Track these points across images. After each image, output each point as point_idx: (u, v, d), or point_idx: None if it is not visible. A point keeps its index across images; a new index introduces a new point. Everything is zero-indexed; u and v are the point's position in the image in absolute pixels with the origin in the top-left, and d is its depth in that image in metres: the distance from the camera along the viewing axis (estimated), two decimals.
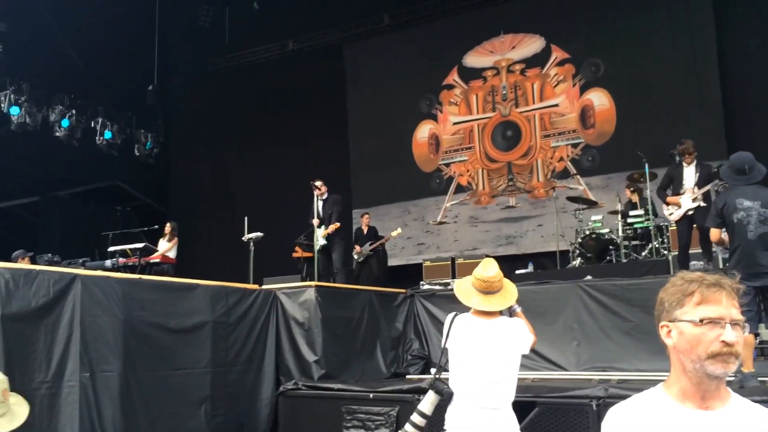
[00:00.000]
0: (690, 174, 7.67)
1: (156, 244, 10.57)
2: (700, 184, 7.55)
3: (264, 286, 7.55)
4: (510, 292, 3.97)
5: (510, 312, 4.18)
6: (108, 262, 9.26)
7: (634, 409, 1.75)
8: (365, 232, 12.12)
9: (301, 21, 15.57)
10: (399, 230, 12.47)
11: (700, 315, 1.65)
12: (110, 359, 5.43)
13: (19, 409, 2.08)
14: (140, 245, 9.76)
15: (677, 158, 7.90)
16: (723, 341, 1.62)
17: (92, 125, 13.90)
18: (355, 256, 11.85)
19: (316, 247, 9.43)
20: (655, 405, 1.73)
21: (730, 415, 1.66)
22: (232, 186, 16.40)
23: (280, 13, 15.13)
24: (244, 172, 16.13)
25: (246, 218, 9.53)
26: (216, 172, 16.71)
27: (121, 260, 9.49)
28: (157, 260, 9.99)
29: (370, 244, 11.84)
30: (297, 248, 11.60)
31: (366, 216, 12.44)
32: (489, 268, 3.99)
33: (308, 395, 6.49)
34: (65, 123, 13.38)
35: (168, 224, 10.85)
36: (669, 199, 7.78)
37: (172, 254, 10.67)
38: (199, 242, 14.96)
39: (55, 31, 13.65)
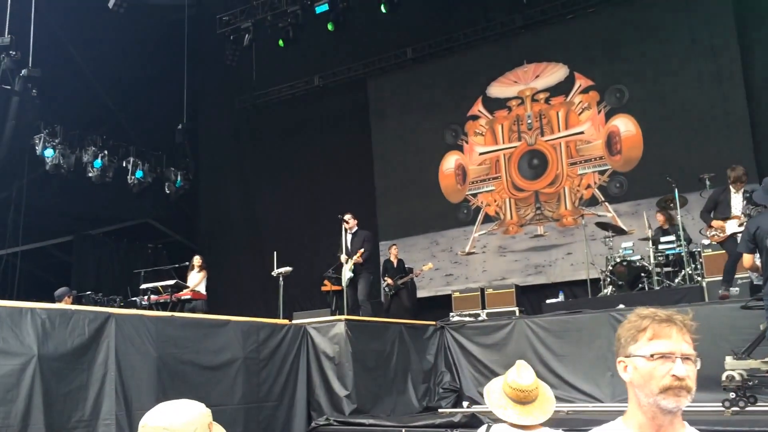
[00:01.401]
0: (738, 201, 7.57)
1: (186, 281, 10.69)
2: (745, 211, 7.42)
3: (294, 321, 7.57)
4: (548, 399, 3.53)
5: None
6: (139, 299, 9.37)
7: None
8: (395, 264, 12.13)
9: (325, 57, 15.82)
10: (430, 265, 12.48)
11: (652, 350, 1.69)
12: (145, 397, 5.48)
13: None
14: (171, 282, 9.88)
15: (707, 182, 7.81)
16: (674, 375, 1.65)
17: (123, 165, 14.18)
18: (386, 289, 11.84)
19: (344, 282, 9.45)
20: None
21: None
22: (260, 221, 16.57)
23: (304, 50, 15.37)
24: (271, 206, 16.31)
25: (275, 253, 9.61)
26: (244, 208, 16.91)
27: (153, 297, 9.60)
28: (188, 296, 10.09)
29: (400, 278, 11.84)
30: (326, 282, 11.65)
31: (394, 247, 12.47)
32: (525, 375, 3.45)
33: (340, 431, 6.46)
34: (98, 164, 13.66)
35: (196, 257, 10.98)
36: (714, 222, 7.65)
37: (202, 289, 10.78)
38: (229, 277, 15.08)
39: (86, 73, 14.02)
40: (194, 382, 5.96)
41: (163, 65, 14.64)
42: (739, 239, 7.32)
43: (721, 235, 7.58)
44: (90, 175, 13.63)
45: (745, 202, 7.35)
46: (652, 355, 1.69)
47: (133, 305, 9.06)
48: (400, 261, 12.29)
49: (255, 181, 16.89)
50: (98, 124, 14.38)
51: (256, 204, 16.79)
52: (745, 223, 6.32)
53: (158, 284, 9.79)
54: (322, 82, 16.13)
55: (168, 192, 14.85)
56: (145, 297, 9.51)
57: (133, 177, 14.04)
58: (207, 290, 10.96)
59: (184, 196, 15.47)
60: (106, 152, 13.84)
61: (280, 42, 14.08)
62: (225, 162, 17.27)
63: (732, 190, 7.66)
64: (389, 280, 11.85)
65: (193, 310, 9.62)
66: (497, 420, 3.49)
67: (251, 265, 15.30)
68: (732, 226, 7.46)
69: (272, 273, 9.42)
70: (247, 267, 15.57)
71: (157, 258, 15.27)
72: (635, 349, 1.73)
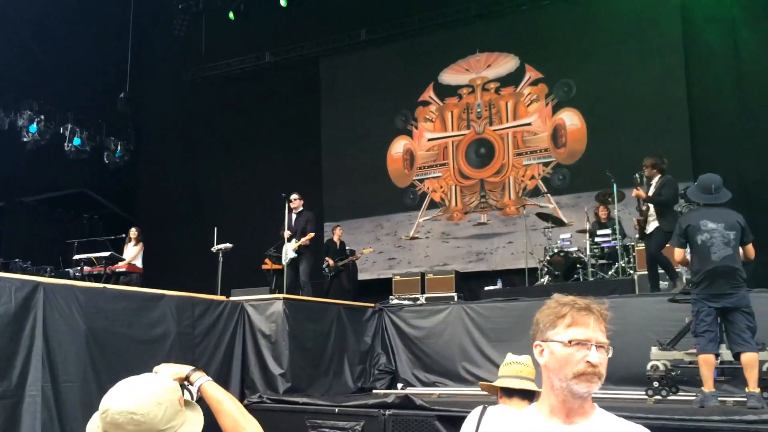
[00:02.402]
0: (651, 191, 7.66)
1: (122, 252, 10.43)
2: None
3: (231, 298, 7.48)
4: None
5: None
6: (72, 271, 9.10)
7: (505, 418, 1.86)
8: (337, 245, 12.11)
9: (277, 33, 15.58)
10: (371, 248, 12.57)
11: (569, 336, 1.74)
12: (73, 369, 5.33)
13: (196, 415, 1.94)
14: (106, 254, 9.62)
15: (644, 179, 7.99)
16: (588, 362, 1.70)
17: (61, 131, 13.71)
18: (326, 270, 11.81)
19: (285, 261, 9.39)
20: (524, 419, 1.82)
21: (590, 428, 1.74)
22: (202, 196, 16.28)
23: (256, 24, 15.12)
24: (215, 182, 16.04)
25: (216, 229, 9.46)
26: (186, 182, 16.57)
27: (87, 269, 9.34)
28: (123, 269, 9.86)
29: (340, 260, 11.84)
30: (266, 260, 11.53)
31: (338, 228, 12.45)
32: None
33: (273, 408, 6.43)
34: (33, 128, 13.18)
35: (133, 229, 10.72)
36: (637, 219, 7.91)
37: (138, 263, 10.55)
38: (167, 252, 14.79)
39: (24, 34, 13.47)
40: (126, 356, 5.81)
41: (108, 31, 14.17)
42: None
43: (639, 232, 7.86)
44: (25, 140, 13.15)
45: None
46: (569, 342, 1.73)
47: (66, 276, 8.79)
48: (342, 243, 12.27)
49: (199, 155, 16.56)
50: (36, 88, 13.82)
51: (198, 179, 16.48)
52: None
53: (92, 255, 9.52)
54: (273, 59, 15.90)
55: (107, 161, 14.45)
56: (78, 268, 9.24)
57: (70, 144, 13.61)
58: (144, 264, 10.73)
59: (124, 166, 15.07)
60: (42, 117, 13.35)
61: (231, 14, 13.80)
62: (168, 134, 16.85)
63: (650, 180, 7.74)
64: (330, 261, 11.83)
65: (128, 284, 9.40)
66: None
67: (191, 240, 15.02)
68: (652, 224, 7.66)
69: (212, 249, 9.29)
70: (186, 242, 15.29)
71: (92, 229, 14.83)
72: (553, 334, 1.77)
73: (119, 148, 14.47)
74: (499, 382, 3.45)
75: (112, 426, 1.76)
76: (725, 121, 11.58)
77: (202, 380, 2.08)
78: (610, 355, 1.75)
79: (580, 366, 1.71)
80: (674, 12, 12.29)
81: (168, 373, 2.05)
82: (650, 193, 7.50)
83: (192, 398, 2.04)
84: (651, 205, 7.57)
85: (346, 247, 12.39)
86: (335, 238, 12.23)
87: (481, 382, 3.78)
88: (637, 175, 7.96)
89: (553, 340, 1.76)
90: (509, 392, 3.42)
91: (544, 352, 1.79)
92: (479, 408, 3.35)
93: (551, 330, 1.78)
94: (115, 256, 9.80)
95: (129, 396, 1.78)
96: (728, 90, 11.64)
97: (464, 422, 3.33)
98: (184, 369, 2.11)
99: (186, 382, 2.07)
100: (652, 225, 7.56)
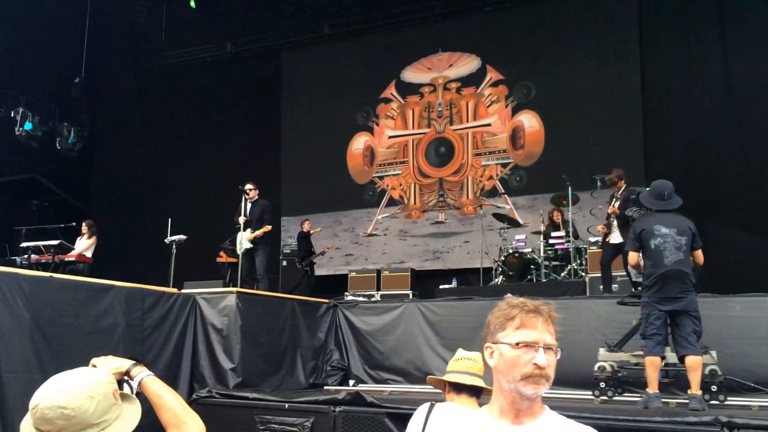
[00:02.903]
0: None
1: (73, 242, 10.18)
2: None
3: (183, 291, 7.36)
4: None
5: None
6: (19, 259, 8.85)
7: (455, 418, 1.86)
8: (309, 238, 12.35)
9: (240, 24, 15.41)
10: (333, 244, 13.02)
11: (517, 339, 1.76)
12: (16, 359, 5.18)
13: (132, 408, 1.91)
14: (55, 242, 9.37)
15: (598, 183, 8.21)
16: (535, 364, 1.72)
17: (12, 115, 13.31)
18: (300, 264, 12.04)
19: (240, 250, 9.22)
20: (475, 420, 1.83)
21: (539, 429, 1.76)
22: (157, 186, 15.99)
23: (218, 14, 14.93)
24: (171, 172, 15.76)
25: (170, 220, 9.32)
26: (142, 171, 16.25)
27: (34, 257, 9.09)
28: (72, 259, 9.61)
29: (312, 254, 12.18)
30: (221, 253, 11.43)
31: (307, 222, 12.46)
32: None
33: (221, 403, 6.35)
34: None
35: (84, 222, 10.45)
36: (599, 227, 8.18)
37: (89, 253, 10.30)
38: (120, 242, 14.49)
39: None
40: (72, 348, 5.67)
41: (64, 14, 13.79)
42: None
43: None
44: None
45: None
46: (517, 344, 1.75)
47: (12, 264, 8.53)
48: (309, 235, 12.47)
49: (156, 144, 16.24)
50: None
51: (154, 168, 16.16)
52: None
53: (40, 243, 9.27)
54: (234, 50, 15.72)
55: (59, 148, 14.07)
56: (26, 256, 8.98)
57: (21, 128, 13.21)
58: (95, 254, 10.48)
59: (78, 153, 14.70)
60: None
61: (192, 3, 13.58)
62: (125, 122, 16.50)
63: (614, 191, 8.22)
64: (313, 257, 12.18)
65: (76, 273, 9.16)
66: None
67: (144, 231, 14.77)
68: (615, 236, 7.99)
69: (165, 240, 9.14)
70: (139, 233, 15.02)
71: (41, 216, 14.44)
72: (502, 336, 1.79)
73: (72, 134, 14.10)
74: (449, 377, 3.42)
75: (42, 421, 1.73)
76: (678, 127, 11.85)
77: (143, 375, 2.06)
78: (558, 357, 1.77)
79: (528, 368, 1.73)
80: (632, 19, 12.52)
81: (107, 366, 2.02)
82: (617, 205, 7.82)
83: (132, 393, 2.01)
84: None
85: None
86: (305, 231, 12.34)
87: (429, 377, 3.73)
88: (598, 179, 8.17)
89: (502, 342, 1.78)
90: (458, 388, 3.40)
91: (494, 353, 1.80)
92: (426, 405, 3.35)
93: (501, 332, 1.80)
94: (64, 245, 9.55)
95: (59, 390, 1.75)
96: (681, 96, 11.91)
97: (412, 418, 3.34)
98: (124, 363, 2.08)
99: (126, 377, 2.04)
100: (616, 235, 7.88)
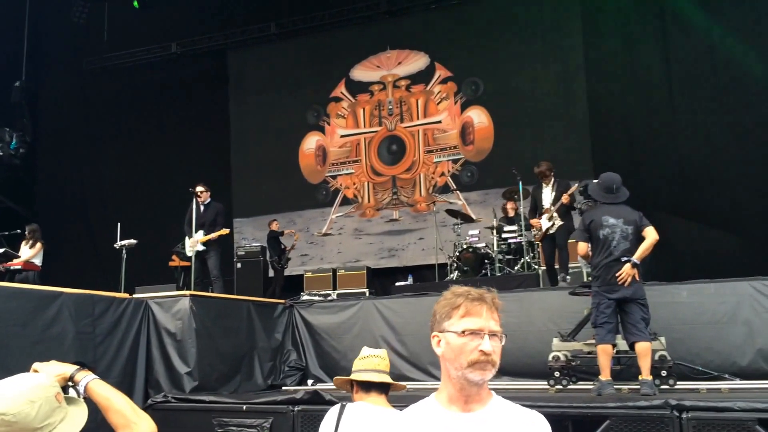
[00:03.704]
0: (547, 194, 8.30)
1: (17, 249, 9.88)
2: (555, 203, 8.09)
3: (135, 295, 7.23)
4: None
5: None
6: None
7: (406, 418, 1.88)
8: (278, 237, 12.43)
9: (184, 24, 15.17)
10: (298, 234, 13.13)
11: (463, 326, 1.79)
12: None
13: (78, 410, 1.89)
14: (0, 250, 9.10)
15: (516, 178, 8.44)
16: (481, 350, 1.76)
17: None
18: (277, 263, 12.14)
19: (191, 253, 9.06)
20: (425, 411, 1.86)
21: (487, 415, 1.81)
22: (104, 190, 15.62)
23: (162, 14, 14.67)
24: (119, 176, 15.42)
25: (119, 224, 9.13)
26: (88, 176, 15.87)
27: None
28: (19, 267, 9.34)
29: (283, 251, 12.31)
30: (174, 257, 11.24)
31: (275, 222, 12.52)
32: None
33: (178, 408, 6.26)
34: None
35: (28, 228, 10.13)
36: (532, 221, 8.37)
37: (37, 261, 10.02)
38: (68, 249, 14.15)
39: None
40: (19, 358, 5.50)
41: (2, 16, 13.36)
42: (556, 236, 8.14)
43: (539, 233, 8.30)
44: None
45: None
46: (463, 332, 1.78)
47: None
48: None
49: (102, 147, 15.85)
50: None
51: (101, 172, 15.78)
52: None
53: None
54: (179, 50, 15.48)
55: (1, 154, 13.63)
56: None
57: None
58: (43, 261, 10.19)
59: (21, 159, 14.25)
60: None
61: (135, 3, 13.32)
62: (68, 126, 16.08)
63: (543, 185, 8.34)
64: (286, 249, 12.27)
65: (24, 282, 8.92)
66: (345, 399, 3.49)
67: (93, 236, 14.45)
68: (544, 222, 8.27)
69: (115, 245, 8.95)
70: (88, 238, 14.68)
71: None
72: (449, 324, 1.82)
73: (14, 139, 13.67)
74: (356, 376, 3.42)
75: None
76: (623, 121, 12.15)
77: (88, 379, 2.03)
78: (503, 343, 1.81)
79: (474, 355, 1.75)
80: (576, 14, 12.76)
81: (50, 372, 1.99)
82: (551, 195, 8.04)
83: (79, 398, 1.98)
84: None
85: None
86: (275, 229, 12.40)
87: (335, 378, 3.67)
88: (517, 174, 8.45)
89: (448, 331, 1.81)
90: (366, 386, 3.39)
91: (441, 342, 1.83)
92: (337, 406, 3.36)
93: (447, 321, 1.82)
94: (9, 253, 9.28)
95: None
96: (625, 90, 12.19)
97: (323, 421, 3.31)
98: (67, 369, 2.06)
99: (71, 382, 2.01)
100: (557, 223, 8.06)
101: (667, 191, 11.21)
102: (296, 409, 5.61)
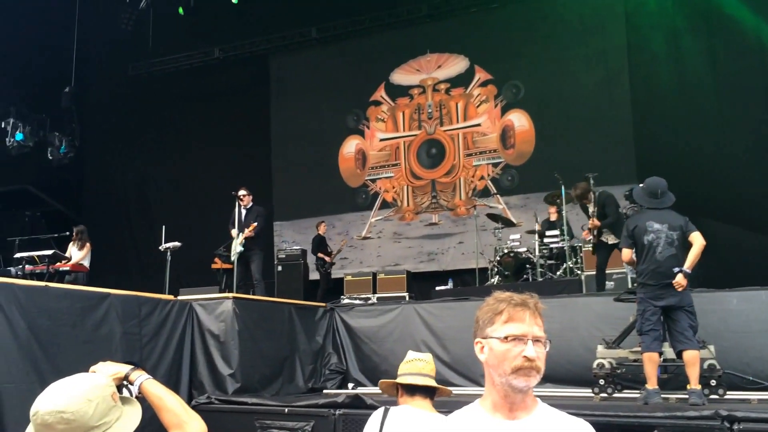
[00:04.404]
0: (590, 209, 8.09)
1: (65, 252, 10.13)
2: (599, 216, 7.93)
3: (179, 297, 7.33)
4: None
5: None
6: (13, 269, 8.79)
7: (450, 424, 1.86)
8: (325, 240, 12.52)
9: (227, 29, 15.38)
10: (345, 241, 13.29)
11: (506, 332, 1.76)
12: (14, 370, 5.15)
13: (133, 409, 1.94)
14: (49, 252, 9.32)
15: (591, 181, 8.23)
16: (525, 356, 1.73)
17: (2, 126, 13.25)
18: (322, 266, 12.18)
19: (233, 256, 9.20)
20: (469, 417, 1.83)
21: (533, 423, 1.78)
22: (150, 194, 15.95)
23: (205, 20, 14.89)
24: (163, 179, 15.73)
25: (164, 227, 9.28)
26: (134, 179, 16.22)
27: (29, 267, 9.03)
28: (68, 268, 9.57)
29: (330, 253, 12.39)
30: (216, 259, 11.39)
31: (323, 224, 12.64)
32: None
33: (221, 409, 6.33)
34: None
35: (75, 229, 10.37)
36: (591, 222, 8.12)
37: (85, 262, 10.26)
38: (114, 251, 14.45)
39: None
40: (69, 357, 5.63)
41: (53, 24, 13.74)
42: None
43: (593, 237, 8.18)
44: None
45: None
46: (506, 337, 1.76)
47: (7, 275, 8.47)
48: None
49: (146, 151, 16.19)
50: None
51: (145, 176, 16.12)
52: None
53: (34, 254, 9.21)
54: (222, 55, 15.71)
55: (51, 158, 14.02)
56: (20, 266, 8.93)
57: (12, 139, 13.16)
58: (90, 263, 10.43)
59: (69, 163, 14.64)
60: None
61: (180, 9, 13.55)
62: (114, 130, 16.45)
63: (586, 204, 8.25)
64: (326, 258, 12.14)
65: (73, 283, 9.13)
66: (386, 402, 3.49)
67: (138, 239, 14.74)
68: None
69: (160, 248, 9.10)
70: (133, 241, 14.99)
71: (34, 226, 14.36)
72: (492, 330, 1.80)
73: (64, 144, 14.06)
74: (401, 380, 3.41)
75: (43, 427, 1.76)
76: (667, 124, 11.91)
77: (142, 378, 2.10)
78: (547, 349, 1.78)
79: (518, 361, 1.73)
80: (619, 17, 12.60)
81: (106, 372, 2.04)
82: (593, 213, 7.85)
83: (132, 397, 2.03)
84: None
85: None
86: (321, 233, 12.51)
87: (381, 381, 3.67)
88: (591, 177, 8.21)
89: (491, 337, 1.79)
90: (411, 390, 3.38)
91: (484, 348, 1.81)
92: (381, 409, 3.36)
93: (489, 327, 1.80)
94: (58, 255, 9.50)
95: (58, 396, 1.78)
96: (670, 93, 11.96)
97: (366, 424, 3.32)
98: (122, 368, 2.12)
99: (125, 382, 2.06)
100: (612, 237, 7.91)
101: (715, 197, 10.93)
102: (337, 412, 5.62)
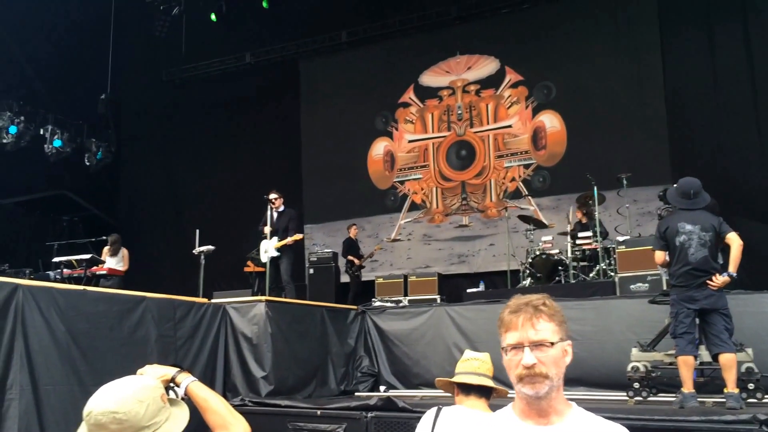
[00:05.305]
0: None
1: (102, 255, 10.34)
2: None
3: (213, 300, 7.43)
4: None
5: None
6: (52, 273, 9.00)
7: (486, 427, 1.84)
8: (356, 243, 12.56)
9: (258, 34, 15.55)
10: (380, 246, 13.32)
11: (506, 342, 1.76)
12: (53, 373, 5.27)
13: (180, 411, 2.01)
14: (86, 256, 9.52)
15: (624, 182, 8.13)
16: (523, 365, 1.70)
17: (41, 132, 13.57)
18: (350, 270, 12.23)
19: (265, 259, 9.25)
20: (502, 423, 1.81)
21: (566, 427, 1.74)
22: (183, 198, 16.18)
23: (237, 26, 15.08)
24: (196, 183, 15.94)
25: (197, 231, 9.40)
26: (167, 184, 16.47)
27: (67, 271, 9.23)
28: (104, 272, 9.76)
29: (362, 257, 12.43)
30: (249, 262, 11.49)
31: (354, 227, 12.67)
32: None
33: (254, 411, 6.38)
34: (13, 129, 13.04)
35: (110, 238, 10.57)
36: None
37: (121, 266, 10.46)
38: (149, 255, 14.67)
39: (4, 34, 13.30)
40: (107, 360, 5.75)
41: (88, 32, 14.03)
42: None
43: None
44: (4, 141, 12.99)
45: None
46: (504, 348, 1.76)
47: (45, 279, 8.68)
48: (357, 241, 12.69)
49: (180, 156, 16.45)
50: (16, 88, 13.66)
51: (179, 180, 16.37)
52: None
53: (72, 258, 9.41)
54: (253, 60, 15.88)
55: (88, 164, 14.32)
56: (58, 270, 9.13)
57: (50, 146, 13.47)
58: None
59: (105, 168, 14.93)
60: (22, 118, 13.20)
61: (213, 16, 13.74)
62: (149, 135, 16.74)
63: None
64: (355, 260, 12.15)
65: (109, 287, 9.31)
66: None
67: (172, 242, 14.95)
68: None
69: (193, 251, 9.22)
70: (167, 245, 15.21)
71: (72, 231, 14.65)
72: (501, 341, 1.80)
73: (100, 150, 14.35)
74: (457, 379, 3.41)
75: (96, 427, 1.82)
76: (703, 122, 11.73)
77: (188, 381, 2.15)
78: (556, 351, 1.73)
79: (518, 370, 1.72)
80: (651, 14, 12.42)
81: (153, 374, 2.10)
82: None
83: (178, 398, 2.09)
84: None
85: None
86: (352, 236, 12.52)
87: (437, 379, 3.67)
88: (623, 177, 8.08)
89: (502, 347, 1.79)
90: (466, 389, 3.38)
91: (503, 359, 1.81)
92: (434, 409, 3.37)
93: (501, 337, 1.81)
94: (95, 259, 9.70)
95: (110, 397, 1.84)
96: (705, 91, 11.78)
97: (419, 423, 3.33)
98: (169, 371, 2.18)
99: (172, 384, 2.12)
100: None
101: (752, 196, 10.72)
102: (369, 415, 5.64)
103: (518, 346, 1.72)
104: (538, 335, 1.72)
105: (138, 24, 15.45)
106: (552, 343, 1.73)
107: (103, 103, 13.51)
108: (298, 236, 9.43)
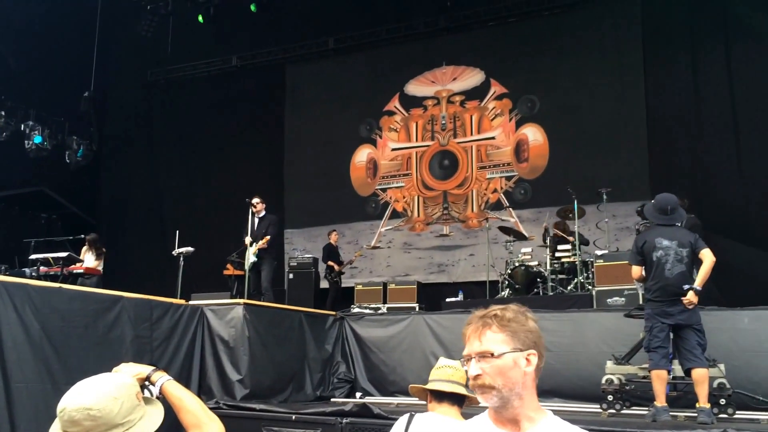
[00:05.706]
0: None
1: (80, 254, 10.24)
2: None
3: (191, 302, 7.39)
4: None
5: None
6: (28, 270, 8.89)
7: (456, 427, 1.92)
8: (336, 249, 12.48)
9: (245, 38, 15.53)
10: (360, 252, 13.22)
11: (462, 355, 1.80)
12: (25, 370, 5.21)
13: (155, 409, 2.00)
14: (64, 254, 9.42)
15: (604, 196, 8.22)
16: (469, 376, 1.75)
17: (21, 128, 13.42)
18: (330, 276, 12.12)
19: (247, 265, 9.29)
20: (477, 429, 1.82)
21: None
22: (164, 199, 16.07)
23: (224, 28, 15.04)
24: (178, 185, 15.84)
25: (177, 232, 9.36)
26: (149, 184, 16.34)
27: (43, 269, 9.13)
28: (81, 270, 9.66)
29: (341, 263, 12.33)
30: (228, 266, 11.46)
31: (334, 233, 12.61)
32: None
33: (229, 414, 6.35)
34: None
35: (88, 238, 10.48)
36: None
37: (99, 266, 10.36)
38: (128, 255, 14.56)
39: None
40: (81, 358, 5.70)
41: (73, 29, 13.93)
42: None
43: None
44: None
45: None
46: (459, 360, 1.81)
47: (21, 275, 8.56)
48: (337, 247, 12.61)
49: (161, 157, 16.34)
50: None
51: (160, 181, 16.25)
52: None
53: (49, 255, 9.31)
54: (239, 63, 15.85)
55: (68, 161, 14.16)
56: (35, 268, 9.03)
57: (30, 142, 13.31)
58: (104, 266, 10.54)
59: (86, 167, 14.78)
60: (3, 113, 13.06)
61: (200, 17, 13.70)
62: (131, 135, 16.62)
63: None
64: (335, 266, 12.05)
65: (89, 286, 9.21)
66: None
67: (151, 243, 14.82)
68: None
69: (173, 252, 9.18)
70: (147, 245, 15.07)
71: (50, 229, 14.51)
72: None
73: (81, 147, 14.21)
74: (430, 386, 3.43)
75: (69, 423, 1.81)
76: (683, 142, 11.88)
77: (163, 379, 2.15)
78: (500, 362, 1.71)
79: (471, 381, 1.76)
80: (636, 35, 12.57)
81: (129, 372, 2.09)
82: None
83: (153, 397, 2.08)
84: None
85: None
86: (333, 242, 12.46)
87: (411, 386, 3.68)
88: (603, 192, 8.15)
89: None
90: (439, 396, 3.39)
91: None
92: (406, 415, 3.38)
93: None
94: (73, 257, 9.60)
95: (85, 393, 1.83)
96: (686, 108, 11.93)
97: (391, 430, 3.34)
98: (144, 369, 2.17)
99: (147, 382, 2.11)
100: None
101: (729, 215, 10.87)
102: (344, 421, 5.65)
103: (468, 359, 1.76)
104: (482, 346, 1.74)
105: (124, 23, 15.36)
106: (494, 354, 1.72)
107: (86, 101, 13.40)
108: (266, 238, 9.44)
